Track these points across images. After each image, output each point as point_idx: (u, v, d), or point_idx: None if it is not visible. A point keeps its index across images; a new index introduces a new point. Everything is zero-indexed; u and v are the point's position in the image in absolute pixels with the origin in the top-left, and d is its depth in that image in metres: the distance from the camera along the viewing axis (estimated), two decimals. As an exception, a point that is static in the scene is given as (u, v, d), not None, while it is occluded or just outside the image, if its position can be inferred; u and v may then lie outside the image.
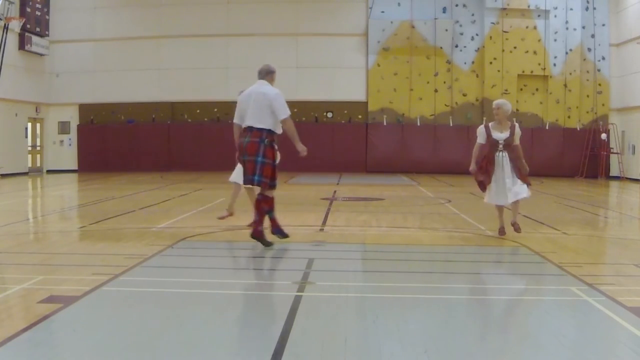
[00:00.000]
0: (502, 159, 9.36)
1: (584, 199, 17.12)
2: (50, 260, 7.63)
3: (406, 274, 7.32)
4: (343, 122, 28.83)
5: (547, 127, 27.81)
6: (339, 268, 7.54)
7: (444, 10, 28.28)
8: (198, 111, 28.96)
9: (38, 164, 28.81)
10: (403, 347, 4.58)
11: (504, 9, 27.64)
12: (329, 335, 4.83)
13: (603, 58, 27.77)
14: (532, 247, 8.64)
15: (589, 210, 14.43)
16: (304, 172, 24.10)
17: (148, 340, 4.72)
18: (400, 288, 6.42)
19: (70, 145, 29.36)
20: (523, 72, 27.84)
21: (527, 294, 6.62)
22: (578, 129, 27.72)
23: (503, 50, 27.76)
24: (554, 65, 27.74)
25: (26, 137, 27.67)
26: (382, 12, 28.34)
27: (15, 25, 25.56)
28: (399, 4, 28.37)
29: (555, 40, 27.61)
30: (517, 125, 9.62)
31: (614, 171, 26.94)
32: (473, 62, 28.24)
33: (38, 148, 28.97)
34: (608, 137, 27.07)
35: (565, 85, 27.79)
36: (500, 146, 9.37)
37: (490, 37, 27.87)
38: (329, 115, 28.86)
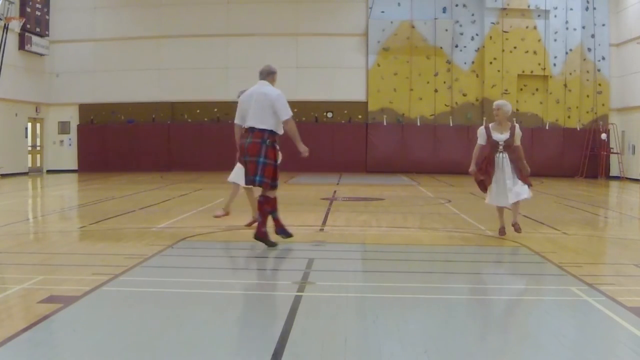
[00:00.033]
0: (503, 160, 9.35)
1: (584, 199, 17.12)
2: (50, 260, 7.63)
3: (406, 274, 7.32)
4: (343, 122, 28.82)
5: (547, 127, 27.81)
6: (339, 268, 7.53)
7: (444, 10, 28.27)
8: (198, 111, 28.95)
9: (38, 164, 28.80)
10: (403, 347, 4.58)
11: (504, 9, 27.63)
12: (329, 335, 4.83)
13: (603, 58, 27.76)
14: (532, 247, 8.63)
15: (589, 210, 14.42)
16: (304, 172, 24.07)
17: (148, 340, 4.72)
18: (400, 288, 6.42)
19: (70, 145, 29.36)
20: (523, 72, 27.83)
21: (527, 294, 6.62)
22: (578, 129, 27.72)
23: (503, 50, 27.75)
24: (554, 65, 27.73)
25: (26, 137, 27.67)
26: (382, 12, 28.33)
27: (15, 25, 25.56)
28: (399, 4, 28.36)
29: (555, 40, 27.60)
30: (517, 126, 9.60)
31: (614, 171, 26.94)
32: (473, 62, 28.23)
33: (38, 148, 28.96)
34: (608, 137, 27.07)
35: (565, 85, 27.79)
36: (501, 147, 9.36)
37: (490, 37, 27.87)
38: (329, 115, 28.85)
